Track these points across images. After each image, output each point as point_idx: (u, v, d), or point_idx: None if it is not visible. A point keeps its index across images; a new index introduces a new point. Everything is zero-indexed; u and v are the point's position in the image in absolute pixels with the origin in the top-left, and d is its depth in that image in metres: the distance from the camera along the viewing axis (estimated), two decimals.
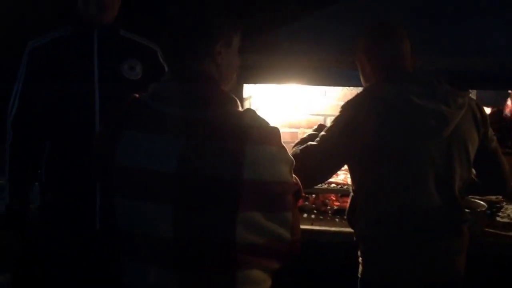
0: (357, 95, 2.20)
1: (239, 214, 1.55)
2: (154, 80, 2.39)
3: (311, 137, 2.31)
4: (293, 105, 3.76)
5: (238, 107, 1.63)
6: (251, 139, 1.56)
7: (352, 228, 2.37)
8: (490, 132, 2.32)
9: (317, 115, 3.75)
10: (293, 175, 1.66)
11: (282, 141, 1.64)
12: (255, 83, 3.25)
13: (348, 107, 2.17)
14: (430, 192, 2.13)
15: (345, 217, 2.46)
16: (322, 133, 2.20)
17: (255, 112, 1.63)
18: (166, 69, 2.50)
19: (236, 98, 1.64)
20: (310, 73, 3.06)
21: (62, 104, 2.34)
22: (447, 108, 2.10)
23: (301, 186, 1.70)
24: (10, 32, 3.67)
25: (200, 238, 1.57)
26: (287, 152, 1.64)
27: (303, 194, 1.79)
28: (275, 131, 1.63)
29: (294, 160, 1.65)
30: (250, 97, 3.45)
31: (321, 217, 3.09)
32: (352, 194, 2.34)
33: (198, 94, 1.61)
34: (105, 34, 2.39)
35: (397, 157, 2.11)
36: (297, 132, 3.72)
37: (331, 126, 2.19)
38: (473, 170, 2.29)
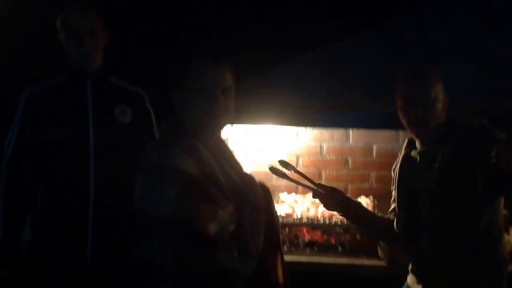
0: None
1: (139, 234, 1.81)
2: (143, 124, 2.63)
3: None
4: (267, 145, 3.93)
5: (166, 143, 1.86)
6: (141, 169, 1.82)
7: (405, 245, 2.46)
8: None
9: (290, 154, 3.94)
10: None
11: (180, 182, 1.74)
12: (231, 124, 3.45)
13: None
14: None
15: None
16: None
17: (166, 148, 1.81)
18: (152, 113, 2.70)
19: (173, 134, 1.88)
20: (283, 115, 3.31)
21: (58, 147, 2.48)
22: None
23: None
24: (9, 77, 3.84)
25: None
26: (171, 192, 1.73)
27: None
28: (164, 171, 1.76)
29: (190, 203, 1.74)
30: (226, 138, 3.66)
31: (293, 249, 3.31)
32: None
33: None
34: (97, 82, 2.57)
35: None
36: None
37: None
38: None
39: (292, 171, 2.46)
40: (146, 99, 2.70)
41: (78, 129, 2.50)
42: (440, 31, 3.53)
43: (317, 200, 2.50)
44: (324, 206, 2.47)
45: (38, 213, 2.56)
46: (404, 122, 2.34)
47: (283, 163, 2.46)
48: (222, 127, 1.98)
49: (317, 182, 2.48)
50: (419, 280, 2.39)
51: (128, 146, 2.53)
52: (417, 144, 2.38)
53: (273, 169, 2.40)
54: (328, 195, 2.43)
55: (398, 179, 2.44)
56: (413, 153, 2.40)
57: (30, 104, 2.53)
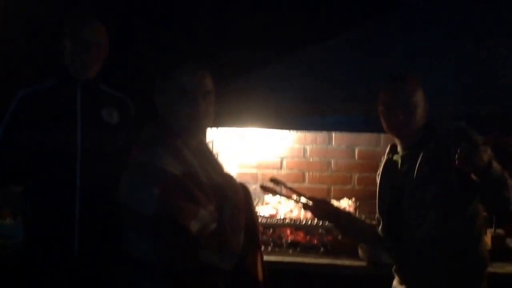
0: None
1: (125, 230, 1.89)
2: (128, 127, 2.71)
3: None
4: (252, 148, 3.99)
5: (151, 144, 1.93)
6: (127, 168, 1.91)
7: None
8: None
9: (274, 156, 4.01)
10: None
11: (164, 181, 1.83)
12: (217, 127, 3.53)
13: None
14: None
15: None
16: None
17: (151, 149, 1.90)
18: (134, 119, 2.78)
19: (157, 136, 1.95)
20: (268, 118, 3.36)
21: (46, 146, 2.55)
22: None
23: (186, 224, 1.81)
24: (4, 78, 3.87)
25: None
26: (155, 191, 1.81)
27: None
28: (149, 170, 1.85)
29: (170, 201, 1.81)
30: (212, 140, 3.72)
31: (276, 249, 3.38)
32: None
33: None
34: (87, 88, 2.65)
35: None
36: (256, 173, 3.95)
37: None
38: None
39: (283, 187, 2.54)
40: (131, 106, 2.80)
41: (66, 129, 2.57)
42: (419, 34, 3.58)
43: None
44: (315, 217, 2.55)
45: (27, 212, 2.62)
46: (385, 126, 2.40)
47: (274, 180, 2.53)
48: (203, 130, 2.06)
49: (307, 195, 2.52)
50: (403, 279, 2.45)
51: (114, 145, 2.63)
52: (399, 148, 2.43)
53: (264, 187, 2.48)
54: (317, 207, 2.48)
55: (380, 183, 2.50)
56: (395, 157, 2.45)
57: (21, 106, 2.60)
